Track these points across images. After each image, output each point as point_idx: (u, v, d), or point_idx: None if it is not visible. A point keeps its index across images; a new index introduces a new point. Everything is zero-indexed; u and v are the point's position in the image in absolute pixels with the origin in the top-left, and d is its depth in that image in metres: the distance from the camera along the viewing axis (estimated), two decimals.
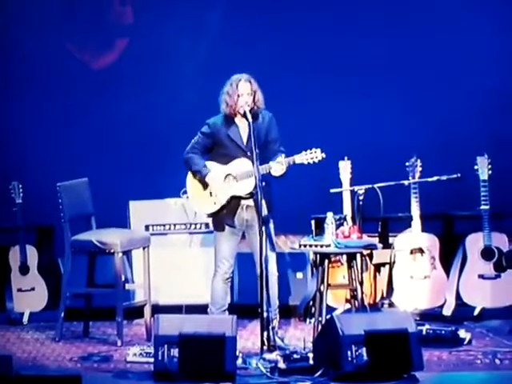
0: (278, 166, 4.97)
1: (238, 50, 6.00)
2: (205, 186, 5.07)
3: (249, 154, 5.01)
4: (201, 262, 5.67)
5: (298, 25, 6.09)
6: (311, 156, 4.99)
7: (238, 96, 4.97)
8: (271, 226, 5.03)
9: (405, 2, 6.09)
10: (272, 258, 4.99)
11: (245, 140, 5.04)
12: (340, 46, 6.08)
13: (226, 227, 5.04)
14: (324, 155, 4.99)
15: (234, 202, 5.03)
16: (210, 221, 5.24)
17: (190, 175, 5.13)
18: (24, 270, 5.84)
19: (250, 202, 5.03)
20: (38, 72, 6.17)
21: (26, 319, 5.76)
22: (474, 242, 5.64)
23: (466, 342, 5.16)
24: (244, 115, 4.97)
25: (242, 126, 5.05)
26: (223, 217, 5.04)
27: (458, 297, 5.65)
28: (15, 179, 5.84)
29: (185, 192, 5.24)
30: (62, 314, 5.34)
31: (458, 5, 6.04)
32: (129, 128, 6.15)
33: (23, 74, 6.18)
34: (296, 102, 6.01)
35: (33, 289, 5.83)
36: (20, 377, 4.08)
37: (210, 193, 5.06)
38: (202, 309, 5.22)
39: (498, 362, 4.87)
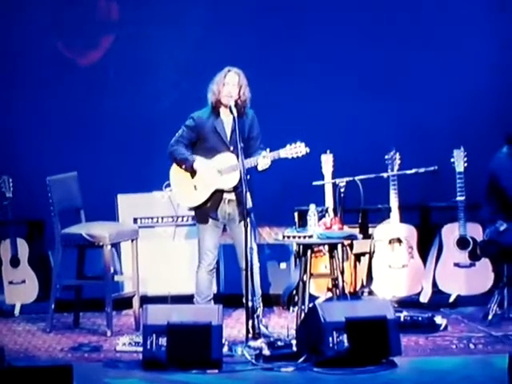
0: (263, 161, 5.07)
1: (221, 47, 6.08)
2: (189, 178, 5.14)
3: (232, 148, 5.10)
4: (187, 253, 5.76)
5: (281, 24, 6.19)
6: (295, 150, 5.07)
7: (224, 84, 5.06)
8: (253, 218, 5.11)
9: (386, 3, 6.20)
10: (254, 249, 5.08)
11: (228, 135, 5.13)
12: (322, 45, 6.17)
13: (210, 220, 5.13)
14: (308, 149, 5.07)
15: (216, 195, 5.12)
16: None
17: (173, 168, 5.21)
18: (15, 262, 5.89)
19: (232, 196, 5.13)
20: (27, 69, 6.23)
21: (17, 311, 5.81)
22: (450, 232, 5.74)
23: (441, 328, 5.26)
24: (229, 108, 5.06)
25: (226, 121, 5.14)
26: (207, 210, 5.13)
27: (435, 284, 5.74)
28: (5, 174, 5.90)
29: (168, 185, 5.31)
30: (53, 306, 5.39)
31: (437, 5, 6.16)
32: (116, 123, 6.23)
33: (12, 71, 6.24)
34: (281, 99, 6.11)
35: (24, 281, 5.87)
36: (12, 368, 4.13)
37: (195, 186, 5.14)
38: (188, 299, 5.31)
39: (472, 346, 4.97)
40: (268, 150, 5.09)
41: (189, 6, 6.25)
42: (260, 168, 5.10)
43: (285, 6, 6.21)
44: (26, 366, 4.18)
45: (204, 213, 5.15)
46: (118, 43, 6.24)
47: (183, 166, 5.15)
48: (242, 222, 5.08)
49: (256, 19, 6.16)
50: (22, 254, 5.90)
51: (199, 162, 5.13)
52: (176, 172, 5.21)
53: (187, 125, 5.17)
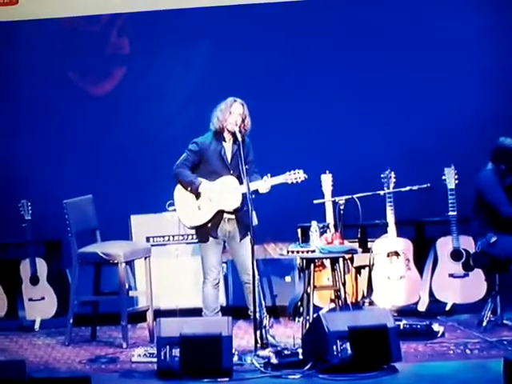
0: (264, 184, 5.33)
1: (224, 77, 6.33)
2: (193, 199, 5.36)
3: (232, 172, 5.36)
4: (195, 268, 5.92)
5: (278, 50, 6.43)
6: (295, 176, 5.32)
7: (230, 113, 5.32)
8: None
9: (379, 26, 6.42)
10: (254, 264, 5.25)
11: (229, 158, 5.38)
12: (320, 70, 6.40)
13: (210, 238, 5.36)
14: (306, 176, 5.31)
15: (218, 215, 5.36)
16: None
17: (177, 189, 5.41)
18: (34, 280, 6.05)
19: (232, 216, 5.35)
20: (44, 98, 6.46)
21: (37, 326, 5.99)
22: (444, 245, 5.93)
23: (439, 335, 5.43)
24: (233, 134, 5.33)
25: (227, 146, 5.40)
26: (207, 229, 5.34)
27: (431, 294, 5.91)
28: (24, 198, 6.11)
29: (171, 204, 5.51)
30: (71, 320, 5.57)
31: (426, 28, 6.40)
32: (128, 149, 6.46)
33: (30, 100, 6.48)
34: (283, 123, 6.36)
35: (43, 298, 6.04)
36: (33, 379, 4.21)
37: (199, 206, 5.37)
38: (196, 312, 5.47)
39: (468, 352, 5.15)
40: (269, 175, 5.33)
41: (194, 40, 6.49)
42: (261, 191, 5.35)
43: (280, 35, 6.44)
44: (46, 378, 4.34)
45: (205, 232, 5.36)
46: (130, 74, 6.47)
47: (189, 189, 5.37)
48: (244, 240, 5.32)
49: (255, 48, 6.42)
50: (41, 272, 6.06)
51: (204, 184, 5.36)
52: (181, 192, 5.42)
53: (191, 149, 5.40)
